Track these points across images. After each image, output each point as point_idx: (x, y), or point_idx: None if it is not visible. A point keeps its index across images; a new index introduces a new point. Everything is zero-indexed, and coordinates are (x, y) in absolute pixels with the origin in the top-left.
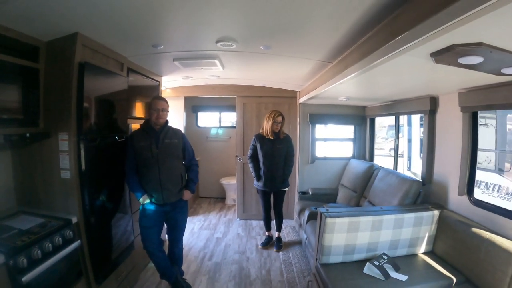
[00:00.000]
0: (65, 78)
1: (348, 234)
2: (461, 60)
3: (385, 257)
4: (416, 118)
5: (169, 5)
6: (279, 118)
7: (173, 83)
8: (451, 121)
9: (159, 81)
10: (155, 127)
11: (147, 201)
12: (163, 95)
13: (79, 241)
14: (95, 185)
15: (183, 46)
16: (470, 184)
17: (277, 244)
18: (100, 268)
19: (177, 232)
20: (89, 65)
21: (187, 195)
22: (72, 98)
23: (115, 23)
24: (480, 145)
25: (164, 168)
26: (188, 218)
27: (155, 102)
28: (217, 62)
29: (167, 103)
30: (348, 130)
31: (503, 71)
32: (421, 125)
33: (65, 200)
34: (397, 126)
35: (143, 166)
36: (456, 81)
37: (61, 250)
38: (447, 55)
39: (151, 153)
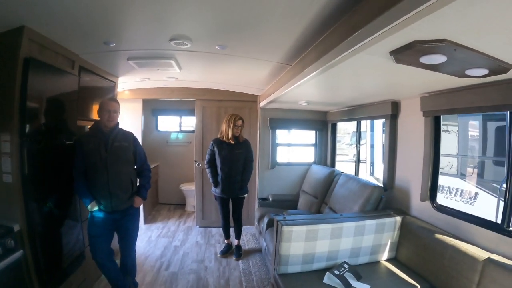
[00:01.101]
0: (8, 74)
1: (307, 243)
2: (423, 60)
3: (346, 265)
4: (378, 124)
5: None
6: (240, 122)
7: (130, 85)
8: (413, 125)
9: (115, 82)
10: (105, 130)
11: (96, 208)
12: (120, 96)
13: (21, 250)
14: (41, 190)
15: (137, 44)
16: (432, 189)
17: (237, 252)
18: (47, 279)
19: (128, 241)
20: (35, 61)
21: (137, 202)
22: (15, 96)
23: (64, 16)
24: (443, 150)
25: (113, 173)
26: (146, 226)
27: (107, 102)
28: (173, 62)
29: (118, 104)
30: (309, 136)
31: (467, 72)
32: (384, 130)
33: (8, 206)
34: (359, 132)
35: (91, 170)
36: (418, 85)
37: (1, 261)
38: (408, 53)
39: (99, 156)
